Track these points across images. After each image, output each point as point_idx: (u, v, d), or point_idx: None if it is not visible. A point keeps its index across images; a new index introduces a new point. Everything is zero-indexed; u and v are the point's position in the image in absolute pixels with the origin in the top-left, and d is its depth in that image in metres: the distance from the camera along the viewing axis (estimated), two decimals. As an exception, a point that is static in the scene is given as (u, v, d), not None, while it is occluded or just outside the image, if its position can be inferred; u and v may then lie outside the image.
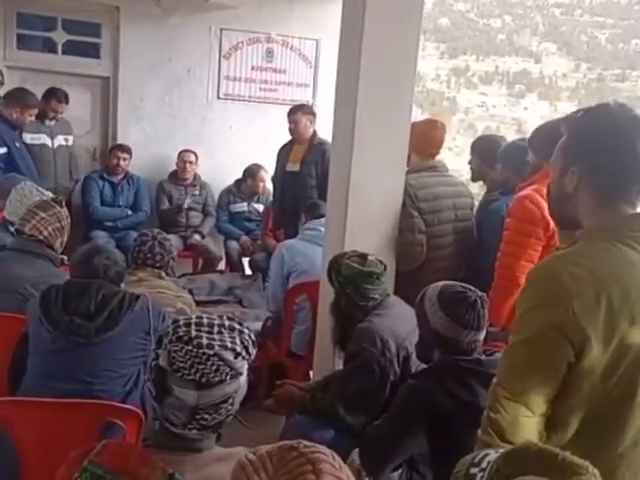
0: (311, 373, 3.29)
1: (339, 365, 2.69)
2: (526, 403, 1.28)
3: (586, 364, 1.24)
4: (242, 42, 5.69)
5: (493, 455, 0.90)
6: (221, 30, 5.60)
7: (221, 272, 5.17)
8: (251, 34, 5.70)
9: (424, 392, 1.79)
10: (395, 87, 2.73)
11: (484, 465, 0.89)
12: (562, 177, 1.38)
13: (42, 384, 2.04)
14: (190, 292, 4.27)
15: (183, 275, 4.84)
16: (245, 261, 5.33)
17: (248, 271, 5.17)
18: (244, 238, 5.41)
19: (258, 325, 3.64)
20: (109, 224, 5.19)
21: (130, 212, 5.30)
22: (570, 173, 1.35)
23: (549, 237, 2.51)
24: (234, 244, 5.39)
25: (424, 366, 2.09)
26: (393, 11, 2.66)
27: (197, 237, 5.39)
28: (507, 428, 1.29)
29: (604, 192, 1.33)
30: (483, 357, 1.85)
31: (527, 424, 1.29)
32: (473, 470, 0.89)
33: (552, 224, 2.50)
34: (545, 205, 2.50)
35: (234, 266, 5.35)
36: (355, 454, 1.99)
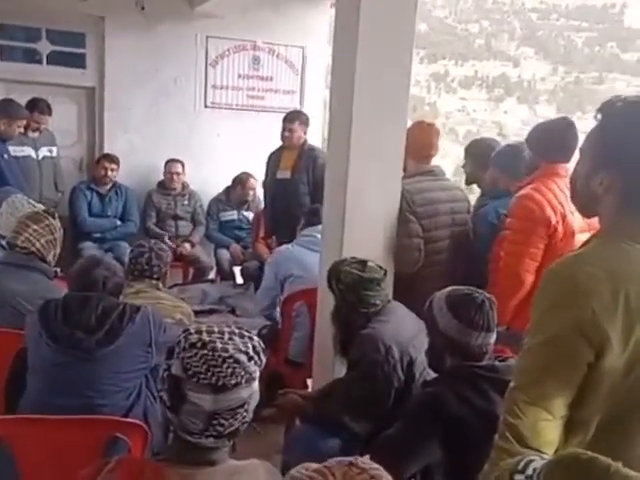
0: (309, 381, 3.27)
1: (339, 372, 2.68)
2: (546, 406, 1.26)
3: (606, 364, 1.23)
4: (228, 50, 5.68)
5: (539, 462, 0.88)
6: (207, 38, 5.58)
7: (212, 281, 5.13)
8: (237, 42, 5.69)
9: (439, 400, 1.77)
10: (391, 92, 2.73)
11: (529, 472, 0.87)
12: (590, 176, 1.33)
13: (43, 400, 2.00)
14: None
15: (174, 285, 4.80)
16: (236, 270, 5.30)
17: (240, 280, 5.14)
18: (234, 246, 5.37)
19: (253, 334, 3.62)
20: (98, 235, 5.13)
21: (119, 223, 5.24)
22: (599, 177, 1.31)
23: (550, 235, 2.54)
24: (225, 253, 5.35)
25: (429, 371, 2.08)
26: (388, 16, 2.66)
27: (187, 246, 5.34)
28: (526, 433, 1.26)
29: (632, 204, 1.29)
30: (497, 363, 1.84)
31: (547, 428, 1.27)
32: (518, 477, 0.88)
33: (553, 221, 2.53)
34: (545, 203, 2.54)
35: (225, 275, 5.31)
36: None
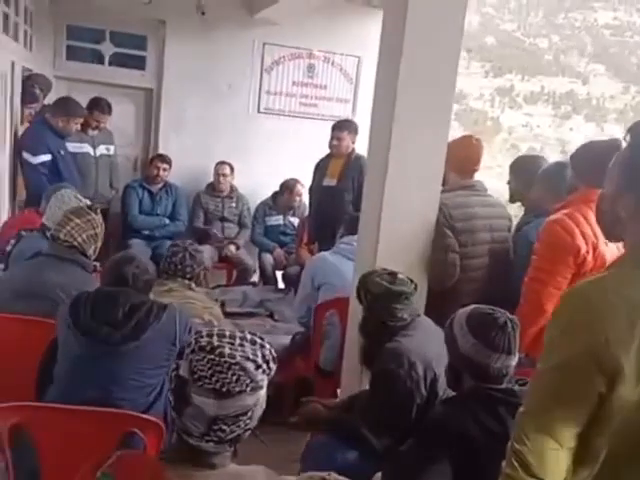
0: (339, 391, 3.25)
1: (367, 384, 2.64)
2: (554, 435, 1.21)
3: (617, 396, 1.18)
4: (284, 57, 5.74)
5: None
6: (263, 45, 5.67)
7: (254, 285, 5.18)
8: (293, 49, 5.76)
9: (454, 421, 1.73)
10: (433, 105, 2.69)
11: None
12: (616, 198, 1.29)
13: (67, 391, 2.05)
14: (222, 303, 4.28)
15: (217, 286, 4.87)
16: (279, 274, 5.33)
17: (281, 284, 5.17)
18: (278, 251, 5.42)
19: (287, 339, 3.63)
20: (146, 233, 5.26)
21: (168, 221, 5.36)
22: (626, 199, 1.26)
23: (579, 264, 2.43)
24: (268, 257, 5.40)
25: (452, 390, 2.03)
26: (433, 29, 2.63)
27: (232, 248, 5.41)
28: (533, 462, 1.23)
29: None
30: (516, 387, 1.78)
31: (554, 457, 1.22)
32: None
33: (583, 251, 2.42)
34: (577, 231, 2.42)
35: (267, 279, 5.35)
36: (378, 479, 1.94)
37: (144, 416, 1.94)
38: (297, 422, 2.55)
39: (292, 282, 4.84)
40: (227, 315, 4.07)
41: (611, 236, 1.37)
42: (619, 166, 1.29)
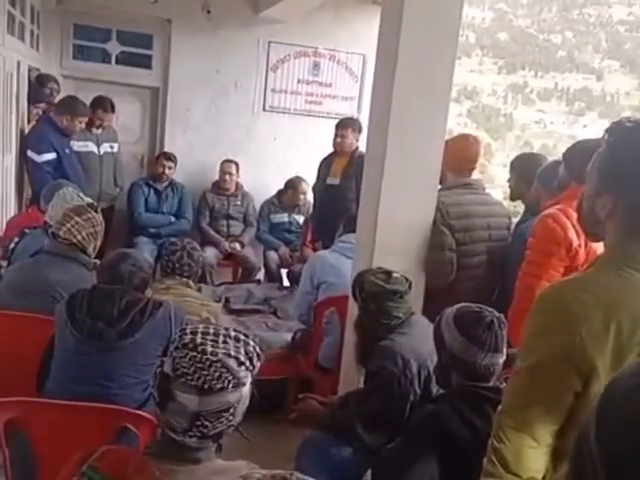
0: (339, 388, 3.26)
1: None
2: (531, 433, 1.22)
3: (594, 393, 1.18)
4: (289, 55, 5.76)
5: None
6: (269, 43, 5.68)
7: (259, 282, 5.21)
8: (298, 48, 5.77)
9: (440, 419, 1.74)
10: (430, 102, 2.70)
11: None
12: (595, 198, 1.29)
13: (62, 386, 2.09)
14: (227, 300, 4.32)
15: (222, 283, 4.91)
16: (283, 272, 5.35)
17: (286, 282, 5.18)
18: (283, 249, 5.43)
19: (290, 337, 3.65)
20: (152, 231, 5.29)
21: (173, 219, 5.39)
22: (604, 199, 1.26)
23: (572, 257, 2.43)
24: (273, 254, 5.42)
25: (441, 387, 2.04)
26: (430, 25, 2.63)
27: (237, 246, 5.44)
28: (511, 459, 1.24)
29: (634, 230, 1.23)
30: (503, 385, 1.79)
31: (532, 455, 1.23)
32: None
33: (575, 244, 2.42)
34: (569, 225, 2.43)
35: (272, 276, 5.37)
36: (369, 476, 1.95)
37: (138, 412, 1.97)
38: (296, 418, 2.57)
39: (297, 280, 4.84)
40: (231, 312, 4.12)
41: (591, 236, 1.38)
42: (597, 166, 1.29)
